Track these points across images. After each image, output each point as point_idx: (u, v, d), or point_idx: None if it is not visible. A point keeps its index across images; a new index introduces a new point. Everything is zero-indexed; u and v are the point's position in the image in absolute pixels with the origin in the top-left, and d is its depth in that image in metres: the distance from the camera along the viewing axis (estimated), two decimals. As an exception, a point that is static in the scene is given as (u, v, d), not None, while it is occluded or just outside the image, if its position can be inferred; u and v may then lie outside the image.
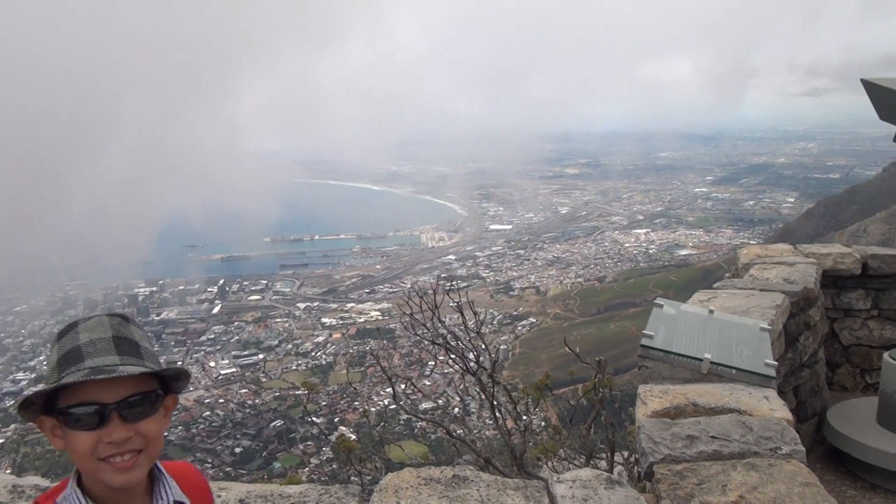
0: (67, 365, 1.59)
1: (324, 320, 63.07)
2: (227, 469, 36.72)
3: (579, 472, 3.14)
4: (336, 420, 39.07)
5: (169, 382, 1.75)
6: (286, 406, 45.18)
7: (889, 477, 5.01)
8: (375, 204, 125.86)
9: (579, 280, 72.55)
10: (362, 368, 43.44)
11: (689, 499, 2.89)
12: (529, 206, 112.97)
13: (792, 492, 2.88)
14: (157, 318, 65.86)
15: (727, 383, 4.07)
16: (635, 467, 5.67)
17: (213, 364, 54.09)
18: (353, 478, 6.23)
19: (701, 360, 4.17)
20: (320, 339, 58.07)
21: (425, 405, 16.63)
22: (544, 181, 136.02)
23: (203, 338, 60.27)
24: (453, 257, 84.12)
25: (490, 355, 6.79)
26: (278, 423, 42.82)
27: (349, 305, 67.32)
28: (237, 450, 40.57)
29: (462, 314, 6.83)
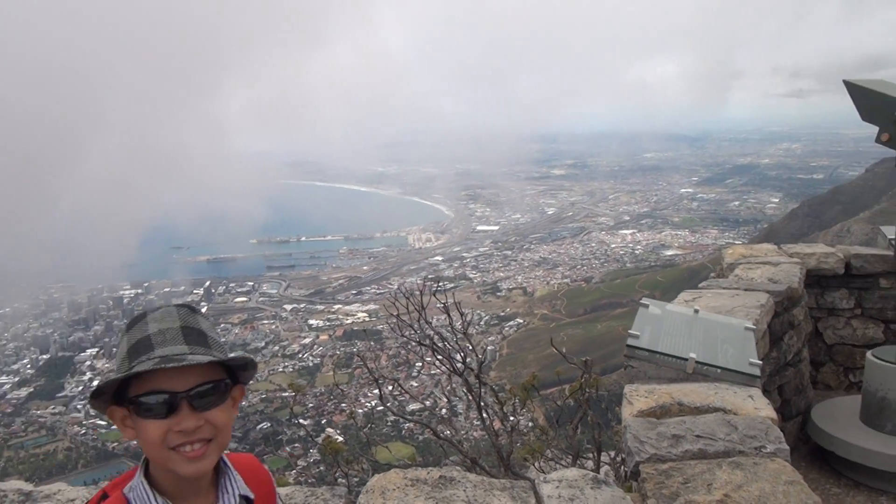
0: (137, 354, 1.60)
1: (311, 322, 62.86)
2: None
3: (566, 472, 3.15)
4: (323, 422, 38.91)
5: (236, 372, 1.74)
6: (273, 408, 44.96)
7: (872, 474, 5.06)
8: (362, 205, 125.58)
9: (566, 281, 72.69)
10: (349, 370, 43.29)
11: (674, 498, 2.91)
12: (516, 207, 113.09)
13: (776, 490, 2.90)
14: (143, 321, 65.34)
15: (712, 382, 4.09)
16: (622, 467, 5.68)
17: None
18: (340, 479, 6.22)
19: (686, 359, 4.18)
20: (307, 340, 57.87)
21: (413, 406, 16.66)
22: (531, 182, 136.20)
23: (189, 340, 59.77)
24: (440, 258, 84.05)
25: (477, 356, 6.80)
26: (265, 425, 42.63)
27: (336, 307, 67.14)
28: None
29: (449, 315, 6.84)
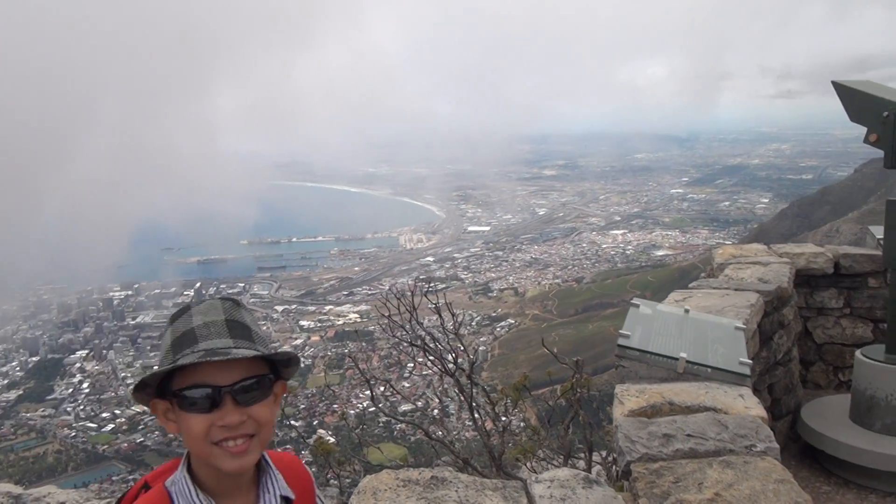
0: (181, 347, 1.58)
1: (302, 323, 62.75)
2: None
3: (557, 472, 3.15)
4: (314, 423, 38.78)
5: (279, 368, 1.72)
6: (264, 409, 44.85)
7: (862, 473, 5.09)
8: (353, 206, 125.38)
9: (557, 281, 72.81)
10: (341, 371, 43.26)
11: (665, 497, 2.92)
12: (507, 208, 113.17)
13: (767, 488, 2.92)
14: (133, 322, 65.16)
15: (703, 382, 4.10)
16: (613, 466, 5.70)
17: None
18: (331, 480, 6.21)
19: (677, 359, 4.20)
20: (298, 341, 57.70)
21: (404, 407, 16.61)
22: (522, 182, 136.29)
23: (179, 342, 59.61)
24: (431, 259, 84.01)
25: (468, 357, 6.80)
26: (256, 426, 42.52)
27: (327, 308, 67.05)
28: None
29: (440, 316, 6.84)
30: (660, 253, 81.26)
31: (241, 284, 77.06)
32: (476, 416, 6.38)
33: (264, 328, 61.67)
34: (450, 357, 6.63)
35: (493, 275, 75.68)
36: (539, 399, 8.27)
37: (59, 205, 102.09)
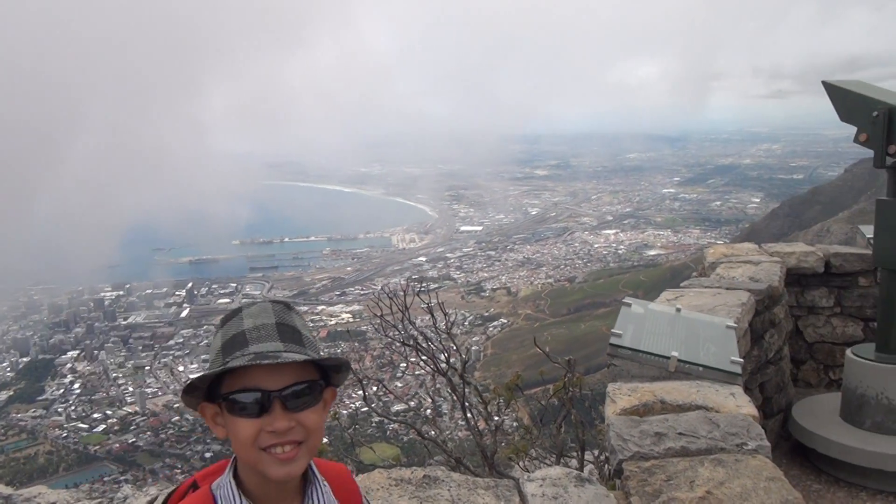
0: (232, 350, 1.55)
1: (294, 323, 62.57)
2: (197, 474, 36.28)
3: (549, 471, 3.16)
4: (307, 423, 38.74)
5: (329, 374, 1.69)
6: (257, 410, 44.80)
7: (852, 471, 5.11)
8: (346, 205, 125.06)
9: (550, 281, 72.91)
10: (333, 371, 43.07)
11: (657, 495, 2.93)
12: (500, 208, 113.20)
13: (758, 486, 2.93)
14: (125, 323, 64.91)
15: (694, 381, 4.12)
16: (605, 465, 5.71)
17: (181, 368, 53.41)
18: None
19: (668, 358, 4.21)
20: (291, 341, 57.55)
21: (397, 407, 16.61)
22: (514, 182, 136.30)
23: (171, 342, 59.49)
24: (424, 259, 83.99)
25: (461, 356, 6.80)
26: (248, 427, 42.47)
27: (320, 308, 66.91)
28: (207, 455, 40.14)
29: (433, 315, 6.84)
30: (652, 252, 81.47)
31: (233, 285, 76.84)
32: (469, 415, 6.38)
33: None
34: (442, 357, 6.63)
35: (485, 274, 75.71)
36: (531, 398, 8.27)
37: (49, 205, 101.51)
